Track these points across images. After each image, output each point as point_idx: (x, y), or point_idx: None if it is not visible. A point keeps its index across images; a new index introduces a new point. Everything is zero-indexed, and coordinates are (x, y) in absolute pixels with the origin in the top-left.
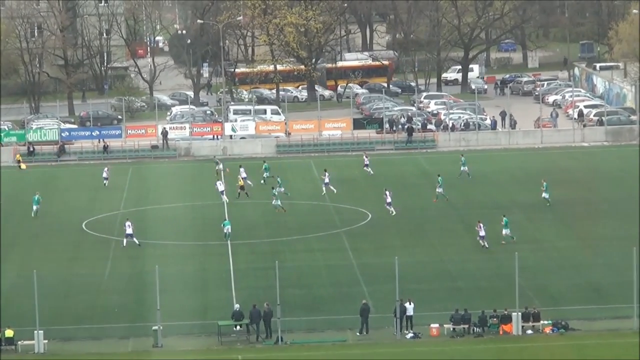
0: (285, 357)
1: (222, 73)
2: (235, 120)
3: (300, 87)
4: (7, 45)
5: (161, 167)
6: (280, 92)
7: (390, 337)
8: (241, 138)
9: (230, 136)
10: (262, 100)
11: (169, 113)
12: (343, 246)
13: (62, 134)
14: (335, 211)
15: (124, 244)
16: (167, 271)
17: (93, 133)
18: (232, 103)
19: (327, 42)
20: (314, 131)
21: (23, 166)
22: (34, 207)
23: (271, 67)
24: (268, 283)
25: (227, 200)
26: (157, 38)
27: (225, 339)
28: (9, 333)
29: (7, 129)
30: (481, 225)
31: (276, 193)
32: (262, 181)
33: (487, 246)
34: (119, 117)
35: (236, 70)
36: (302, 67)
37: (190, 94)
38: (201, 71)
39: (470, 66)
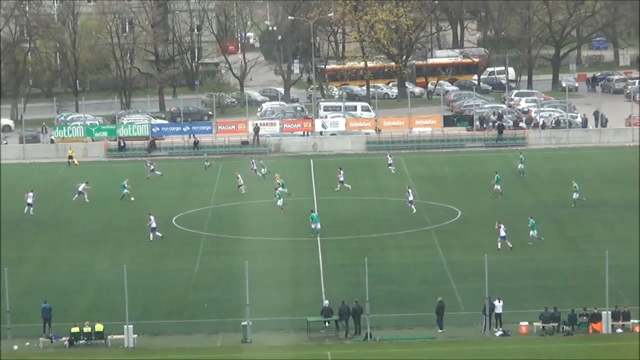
0: (374, 353)
1: (313, 69)
2: (326, 117)
3: (390, 84)
4: (99, 40)
5: (249, 163)
6: (371, 89)
7: (479, 335)
8: (331, 134)
9: (321, 132)
10: (352, 96)
11: (259, 109)
12: (432, 243)
13: (153, 130)
14: (424, 208)
15: (151, 239)
16: (256, 267)
17: (183, 129)
18: (323, 99)
19: (418, 39)
20: (404, 128)
21: (76, 162)
22: (123, 192)
23: (362, 64)
24: (357, 279)
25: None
26: (248, 34)
27: (314, 335)
28: (98, 327)
29: (98, 124)
30: (501, 225)
31: (279, 194)
32: (262, 176)
33: (510, 246)
34: (210, 112)
35: (327, 66)
36: (393, 64)
37: (281, 90)
38: (292, 67)
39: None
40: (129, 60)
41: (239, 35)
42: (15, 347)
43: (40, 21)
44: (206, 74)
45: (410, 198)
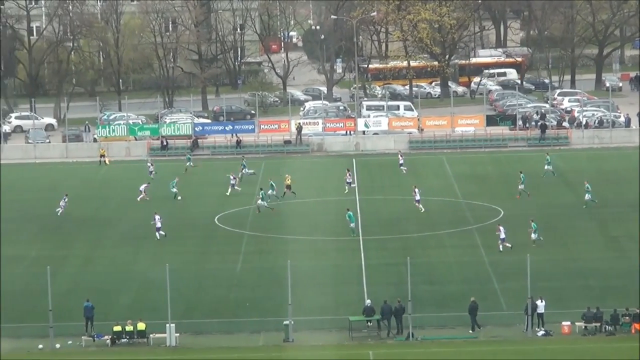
0: (416, 353)
1: (356, 69)
2: (368, 116)
3: (433, 83)
4: (142, 39)
5: (294, 162)
6: (413, 88)
7: (521, 335)
8: (374, 134)
9: (363, 132)
10: (395, 96)
11: (302, 108)
12: (475, 243)
13: (196, 129)
14: (467, 207)
15: (158, 238)
16: (299, 266)
17: (226, 128)
18: (365, 99)
19: (461, 38)
20: (447, 127)
21: (107, 161)
22: (173, 190)
23: (404, 63)
24: (399, 279)
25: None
26: (291, 33)
27: (356, 335)
28: (141, 326)
29: (141, 123)
30: (501, 228)
31: (263, 195)
32: (239, 176)
33: (509, 246)
34: (252, 112)
35: (369, 66)
36: (436, 63)
37: (324, 89)
38: (334, 67)
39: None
40: (171, 60)
41: (282, 34)
42: (58, 346)
43: (83, 20)
44: (249, 73)
45: (417, 197)
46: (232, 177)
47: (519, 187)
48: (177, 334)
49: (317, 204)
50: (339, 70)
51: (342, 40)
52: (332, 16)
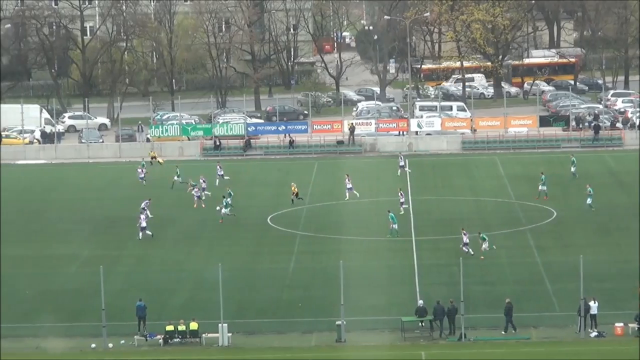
0: (469, 354)
1: (409, 69)
2: (421, 117)
3: (486, 84)
4: (195, 39)
5: (347, 163)
6: (466, 89)
7: (574, 336)
8: (427, 134)
9: (416, 132)
10: (448, 96)
11: (354, 109)
12: (527, 244)
13: (248, 129)
14: (520, 208)
15: (149, 236)
16: (351, 266)
17: (279, 128)
18: (418, 99)
19: (514, 39)
20: (500, 128)
21: (160, 160)
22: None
23: (457, 64)
24: (452, 279)
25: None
26: (344, 34)
27: (408, 335)
28: (193, 325)
29: (194, 123)
30: (466, 233)
31: (228, 202)
32: (171, 187)
33: (472, 253)
34: (305, 112)
35: (422, 66)
36: (489, 63)
37: (377, 89)
38: (387, 67)
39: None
40: (225, 60)
41: (335, 34)
42: (110, 345)
43: (137, 20)
44: (302, 74)
45: (402, 200)
46: (202, 181)
47: (540, 187)
48: (230, 334)
49: (370, 204)
50: (392, 71)
51: (395, 41)
52: (386, 16)
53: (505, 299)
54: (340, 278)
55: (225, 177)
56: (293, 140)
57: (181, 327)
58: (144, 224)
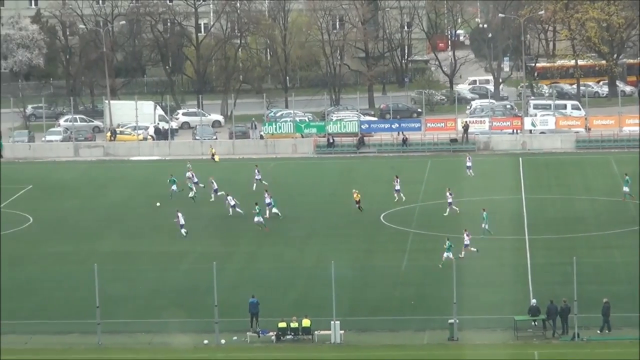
0: (582, 353)
1: (523, 67)
2: (535, 115)
3: (601, 83)
4: (309, 37)
5: (460, 161)
6: (581, 87)
7: None
8: (540, 133)
9: (530, 131)
10: (562, 95)
11: (468, 107)
12: None
13: (362, 126)
14: (634, 208)
15: (184, 234)
16: (464, 264)
17: (392, 126)
18: (532, 98)
19: (630, 37)
20: (614, 127)
21: (217, 158)
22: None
23: (572, 62)
24: (565, 279)
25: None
26: (458, 31)
27: (521, 334)
28: (305, 323)
29: (307, 120)
30: (468, 234)
31: (258, 209)
32: (170, 196)
33: (461, 256)
34: (419, 110)
35: (537, 64)
36: (603, 62)
37: (491, 87)
38: (502, 65)
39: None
40: (338, 57)
41: (449, 32)
42: (223, 341)
43: (251, 18)
44: (416, 71)
45: (450, 200)
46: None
47: (624, 189)
48: (342, 331)
49: (483, 202)
50: (506, 69)
51: (510, 39)
52: (500, 14)
53: (603, 299)
54: (453, 276)
55: (264, 182)
56: (406, 138)
57: (293, 324)
58: (182, 222)
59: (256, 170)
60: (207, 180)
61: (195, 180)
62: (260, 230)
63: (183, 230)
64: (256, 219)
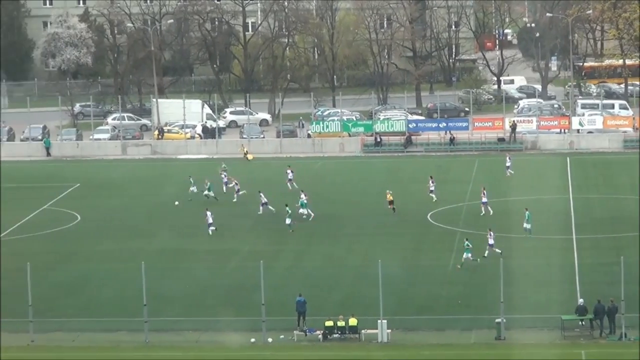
0: (629, 353)
1: (571, 67)
2: (583, 115)
3: None
4: (357, 36)
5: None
6: (629, 87)
7: None
8: (588, 132)
9: (577, 130)
10: (609, 94)
11: (516, 106)
12: None
13: (409, 125)
14: None
15: (210, 233)
16: (511, 264)
17: (440, 125)
18: (580, 97)
19: None
20: None
21: (250, 157)
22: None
23: (620, 62)
24: (612, 278)
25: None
26: (505, 31)
27: (568, 334)
28: (352, 321)
29: (355, 119)
30: (491, 233)
31: (303, 203)
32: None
33: (499, 251)
34: (466, 109)
35: (584, 64)
36: None
37: (538, 87)
38: (549, 64)
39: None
40: (386, 56)
41: (496, 31)
42: (270, 340)
43: (299, 16)
44: (463, 71)
45: (484, 200)
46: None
47: None
48: (389, 330)
49: (531, 202)
50: (554, 68)
51: (557, 38)
52: (548, 14)
53: (610, 298)
54: (500, 275)
55: (295, 185)
56: (454, 137)
57: (340, 323)
58: (210, 220)
59: (288, 171)
60: (239, 182)
61: (225, 180)
62: (306, 229)
63: (210, 229)
64: (287, 220)
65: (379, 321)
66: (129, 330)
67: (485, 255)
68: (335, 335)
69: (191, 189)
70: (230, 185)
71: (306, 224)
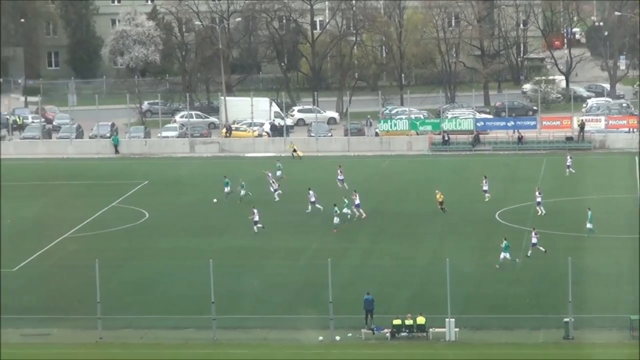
0: None
1: (639, 66)
2: None
3: None
4: (425, 34)
5: (576, 159)
6: None
7: None
8: None
9: None
10: None
11: (584, 105)
12: None
13: (477, 124)
14: None
15: (255, 231)
16: (579, 263)
17: (508, 123)
18: None
19: None
20: None
21: (300, 154)
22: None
23: None
24: None
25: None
26: (574, 29)
27: (637, 334)
28: (420, 320)
29: (422, 117)
30: (534, 232)
31: (337, 211)
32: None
33: (543, 250)
34: (534, 108)
35: None
36: None
37: (607, 86)
38: (618, 63)
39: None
40: (454, 55)
41: (565, 30)
42: (337, 338)
43: (366, 15)
44: (531, 69)
45: (538, 200)
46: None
47: None
48: (457, 329)
49: (600, 201)
50: (622, 67)
51: (626, 37)
52: (616, 12)
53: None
54: (569, 275)
55: (346, 185)
56: (522, 136)
57: (408, 322)
58: (256, 218)
59: (339, 171)
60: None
61: (271, 180)
62: (375, 227)
63: (256, 227)
64: (335, 220)
65: (447, 320)
66: (197, 328)
67: (529, 254)
68: (403, 334)
69: (226, 189)
70: (275, 185)
71: (374, 222)
